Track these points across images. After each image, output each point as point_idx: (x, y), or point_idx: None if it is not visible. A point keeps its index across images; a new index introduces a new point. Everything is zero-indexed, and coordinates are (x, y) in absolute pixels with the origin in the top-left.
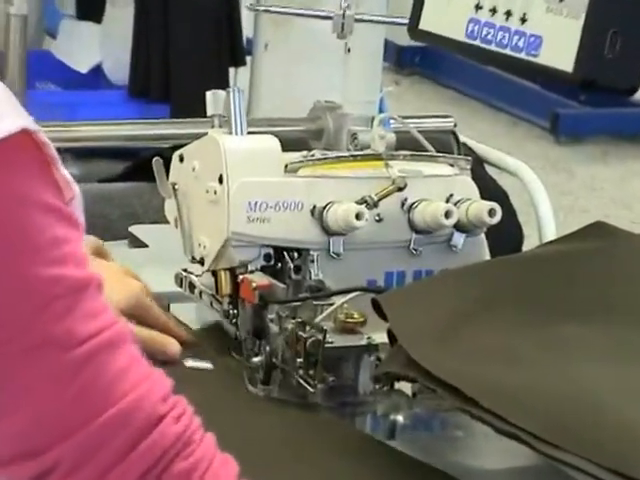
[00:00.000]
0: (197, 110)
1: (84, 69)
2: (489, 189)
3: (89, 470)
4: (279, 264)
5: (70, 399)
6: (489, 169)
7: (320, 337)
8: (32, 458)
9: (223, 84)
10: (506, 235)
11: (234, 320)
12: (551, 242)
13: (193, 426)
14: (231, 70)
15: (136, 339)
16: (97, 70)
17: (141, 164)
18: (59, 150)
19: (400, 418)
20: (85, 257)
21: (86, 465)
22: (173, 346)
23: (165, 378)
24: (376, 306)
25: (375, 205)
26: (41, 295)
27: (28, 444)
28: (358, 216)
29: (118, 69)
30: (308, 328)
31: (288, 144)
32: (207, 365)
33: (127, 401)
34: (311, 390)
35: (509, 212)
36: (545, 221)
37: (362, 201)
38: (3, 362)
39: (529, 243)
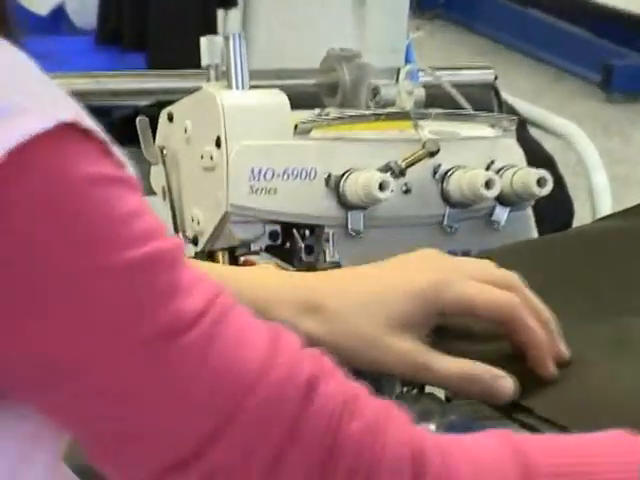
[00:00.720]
0: (178, 61)
1: (43, 11)
2: (534, 155)
3: (256, 466)
4: (288, 243)
5: (204, 391)
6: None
7: None
8: (182, 470)
9: (210, 30)
10: (555, 209)
11: None
12: (606, 218)
13: (350, 382)
14: (219, 13)
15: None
16: (59, 13)
17: (117, 125)
18: None
19: (432, 427)
20: (163, 224)
21: (249, 464)
22: (504, 383)
23: (293, 334)
24: None
25: (402, 173)
26: (138, 279)
27: (171, 456)
28: (382, 186)
29: (84, 12)
30: None
31: (297, 100)
32: None
33: (274, 375)
34: None
35: (558, 182)
36: (600, 193)
37: (386, 168)
38: (112, 372)
39: (578, 219)
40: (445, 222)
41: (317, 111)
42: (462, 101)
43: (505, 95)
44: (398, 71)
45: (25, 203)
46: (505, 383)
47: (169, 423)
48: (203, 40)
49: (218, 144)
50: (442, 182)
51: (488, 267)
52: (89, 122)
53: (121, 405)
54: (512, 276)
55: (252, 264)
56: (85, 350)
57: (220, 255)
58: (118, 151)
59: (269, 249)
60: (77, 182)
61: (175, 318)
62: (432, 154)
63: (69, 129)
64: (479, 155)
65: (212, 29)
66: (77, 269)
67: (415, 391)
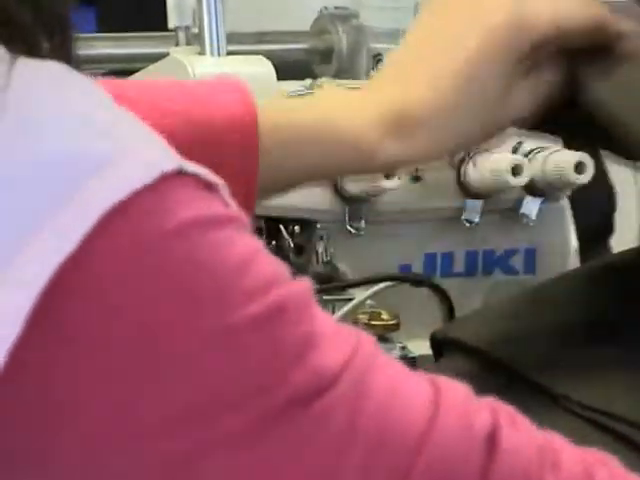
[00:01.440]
0: (136, 21)
1: None
2: None
3: None
4: (273, 242)
5: (361, 456)
6: None
7: None
8: None
9: None
10: (594, 201)
11: None
12: None
13: (537, 430)
14: None
15: None
16: None
17: None
18: None
19: None
20: (278, 261)
21: None
22: None
23: (454, 381)
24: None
25: None
26: (265, 337)
27: None
28: (387, 174)
29: None
30: None
31: (285, 69)
32: None
33: (445, 428)
34: None
35: (599, 168)
36: None
37: None
38: (241, 453)
39: (622, 213)
40: (463, 216)
41: (308, 82)
42: None
43: None
44: (403, 33)
45: (128, 262)
46: None
47: None
48: None
49: None
50: (459, 168)
51: None
52: (188, 164)
53: None
54: None
55: None
56: (207, 429)
57: None
58: (228, 197)
59: None
60: (186, 230)
61: (315, 376)
62: None
63: (172, 176)
64: (504, 135)
65: None
66: (195, 333)
67: None
